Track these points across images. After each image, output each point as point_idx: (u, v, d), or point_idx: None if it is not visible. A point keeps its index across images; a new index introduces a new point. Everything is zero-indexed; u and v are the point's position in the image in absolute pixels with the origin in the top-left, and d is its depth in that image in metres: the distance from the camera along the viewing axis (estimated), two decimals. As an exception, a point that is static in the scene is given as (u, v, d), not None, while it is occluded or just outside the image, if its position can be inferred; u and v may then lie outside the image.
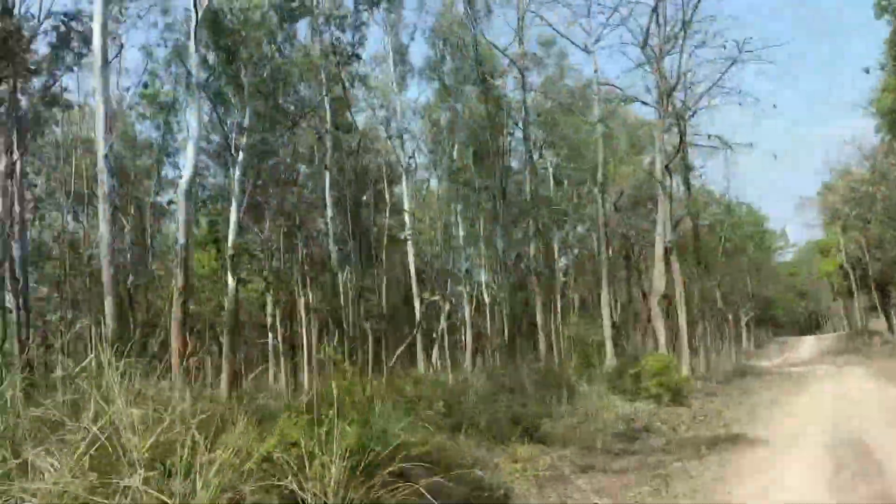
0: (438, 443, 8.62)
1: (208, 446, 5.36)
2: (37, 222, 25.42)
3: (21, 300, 19.56)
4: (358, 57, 19.82)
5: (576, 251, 43.54)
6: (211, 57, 18.51)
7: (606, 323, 25.23)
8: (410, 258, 30.32)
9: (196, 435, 5.18)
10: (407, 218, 31.44)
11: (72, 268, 24.24)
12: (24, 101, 21.25)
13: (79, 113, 26.00)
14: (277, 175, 25.29)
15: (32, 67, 19.96)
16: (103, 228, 13.31)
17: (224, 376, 19.12)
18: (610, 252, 31.70)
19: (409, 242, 30.49)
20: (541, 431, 10.68)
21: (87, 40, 19.63)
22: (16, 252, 19.81)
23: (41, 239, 26.14)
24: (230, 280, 19.61)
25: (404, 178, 31.96)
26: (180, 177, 18.94)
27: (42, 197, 25.57)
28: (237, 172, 19.94)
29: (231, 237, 19.80)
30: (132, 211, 25.93)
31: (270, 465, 5.32)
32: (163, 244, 31.46)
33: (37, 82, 20.97)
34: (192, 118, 15.47)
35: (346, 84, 24.25)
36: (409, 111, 32.80)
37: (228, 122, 19.91)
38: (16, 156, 20.58)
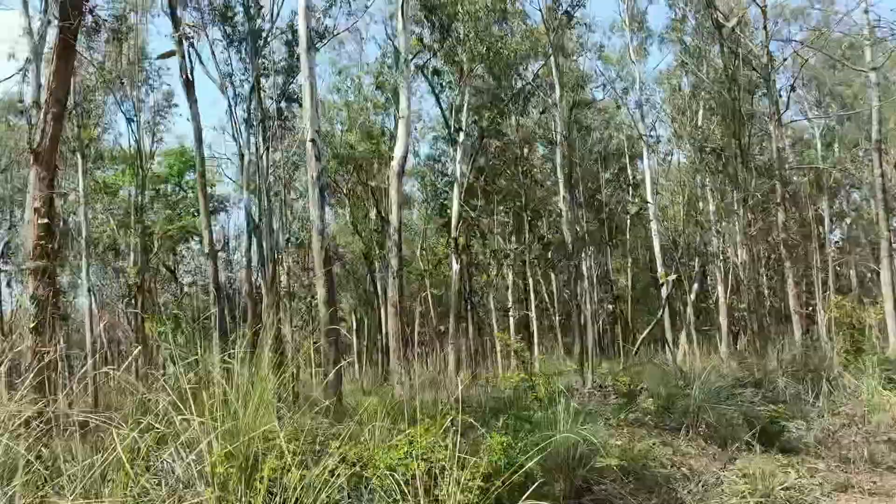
0: (644, 450, 7.16)
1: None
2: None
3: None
4: (570, 16, 18.28)
5: (847, 221, 38.18)
6: (426, 35, 18.09)
7: (889, 305, 21.34)
8: (654, 236, 28.21)
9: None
10: (649, 194, 29.29)
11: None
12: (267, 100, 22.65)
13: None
14: (507, 154, 24.58)
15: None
16: (314, 214, 13.33)
17: (452, 360, 18.80)
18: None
19: (653, 220, 28.38)
20: (786, 436, 8.69)
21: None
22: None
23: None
24: (454, 262, 19.24)
25: (645, 151, 29.83)
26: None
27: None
28: (458, 154, 19.49)
29: (454, 220, 19.41)
30: (368, 194, 26.61)
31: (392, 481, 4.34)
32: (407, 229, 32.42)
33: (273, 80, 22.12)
34: (402, 97, 15.06)
35: (575, 55, 22.92)
36: (649, 80, 30.75)
37: (447, 101, 19.43)
38: (262, 150, 21.99)
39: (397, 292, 14.62)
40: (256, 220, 22.10)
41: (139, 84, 25.18)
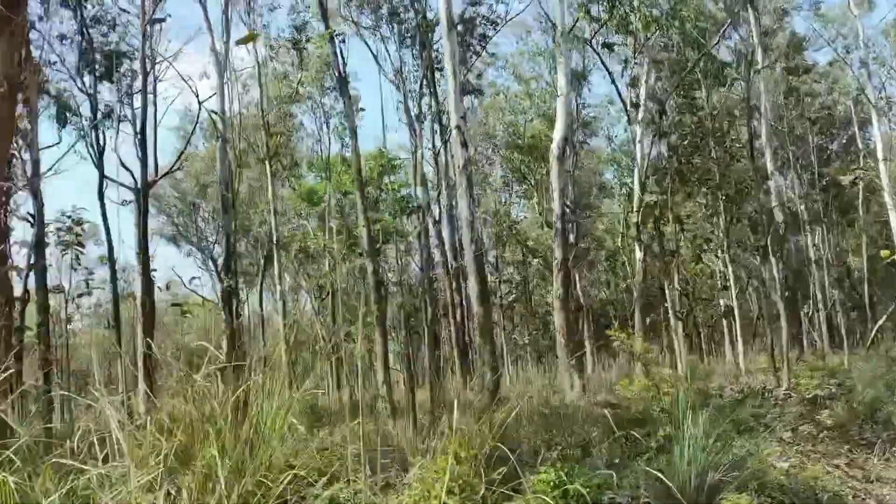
0: (811, 476, 5.58)
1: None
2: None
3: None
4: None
5: None
6: (593, 8, 16.72)
7: None
8: (890, 211, 24.46)
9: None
10: (881, 165, 25.48)
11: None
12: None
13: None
14: (702, 130, 22.34)
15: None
16: (462, 205, 12.59)
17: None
18: None
19: (886, 193, 24.61)
20: None
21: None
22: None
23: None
24: (637, 250, 17.66)
25: (874, 116, 25.99)
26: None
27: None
28: (637, 132, 17.88)
29: (635, 203, 17.83)
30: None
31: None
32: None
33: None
34: (560, 73, 13.89)
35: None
36: (876, 35, 26.80)
37: (623, 76, 17.90)
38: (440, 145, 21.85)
39: (561, 286, 13.49)
40: (436, 217, 21.93)
41: (328, 90, 26.08)
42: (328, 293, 23.55)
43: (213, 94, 18.77)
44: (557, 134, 13.78)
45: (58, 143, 17.19)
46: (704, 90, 20.22)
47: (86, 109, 18.22)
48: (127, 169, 22.23)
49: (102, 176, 17.03)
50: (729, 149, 22.65)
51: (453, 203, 23.24)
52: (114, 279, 17.94)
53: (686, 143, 22.68)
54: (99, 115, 16.91)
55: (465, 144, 12.36)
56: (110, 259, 18.20)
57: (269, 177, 21.19)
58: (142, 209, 17.27)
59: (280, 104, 23.51)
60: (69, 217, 18.97)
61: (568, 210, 25.24)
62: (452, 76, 12.38)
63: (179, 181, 31.56)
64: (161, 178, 26.08)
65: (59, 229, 19.61)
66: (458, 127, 12.43)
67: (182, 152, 21.39)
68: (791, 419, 7.75)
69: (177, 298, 25.65)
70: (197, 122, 22.12)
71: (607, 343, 19.39)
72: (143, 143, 17.01)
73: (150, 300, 16.36)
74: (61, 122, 16.53)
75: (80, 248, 19.25)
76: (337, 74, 14.36)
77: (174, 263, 49.75)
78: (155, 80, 26.03)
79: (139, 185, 20.20)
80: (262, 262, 26.68)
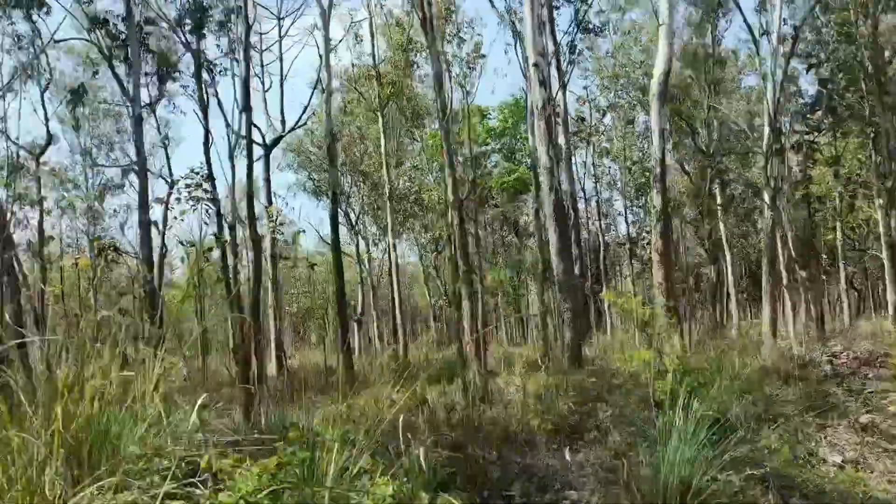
0: (854, 477, 4.42)
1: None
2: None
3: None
4: None
5: None
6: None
7: None
8: None
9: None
10: None
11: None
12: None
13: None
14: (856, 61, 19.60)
15: None
16: (540, 150, 11.59)
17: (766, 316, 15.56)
18: None
19: None
20: None
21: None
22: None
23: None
24: (765, 196, 15.77)
25: None
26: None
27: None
28: (768, 63, 15.82)
29: (764, 146, 15.90)
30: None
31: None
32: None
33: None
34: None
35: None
36: None
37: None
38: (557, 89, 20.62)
39: (661, 237, 12.19)
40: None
41: (448, 40, 25.25)
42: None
43: (333, 47, 18.71)
44: (658, 68, 12.31)
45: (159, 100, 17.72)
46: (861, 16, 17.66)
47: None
48: (255, 127, 22.84)
49: (207, 131, 17.43)
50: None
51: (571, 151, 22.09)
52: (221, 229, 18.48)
53: (841, 76, 20.07)
54: (204, 72, 17.25)
55: (543, 83, 11.32)
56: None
57: (380, 129, 20.92)
58: (248, 162, 17.51)
59: (395, 52, 23.02)
60: (197, 173, 19.79)
61: (703, 153, 23.28)
62: (530, 8, 11.33)
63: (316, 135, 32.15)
64: (289, 132, 26.68)
65: (187, 185, 20.51)
66: (535, 64, 11.40)
67: (306, 107, 21.60)
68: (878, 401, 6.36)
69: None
70: (319, 77, 22.22)
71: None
72: (245, 96, 17.21)
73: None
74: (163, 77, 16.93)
75: (209, 204, 20.08)
76: (420, 15, 13.53)
77: (322, 217, 51.52)
78: (280, 36, 26.51)
79: (264, 141, 20.70)
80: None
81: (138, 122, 14.80)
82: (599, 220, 33.76)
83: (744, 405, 5.51)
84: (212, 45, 46.49)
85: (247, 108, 17.70)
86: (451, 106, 25.84)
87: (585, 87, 55.33)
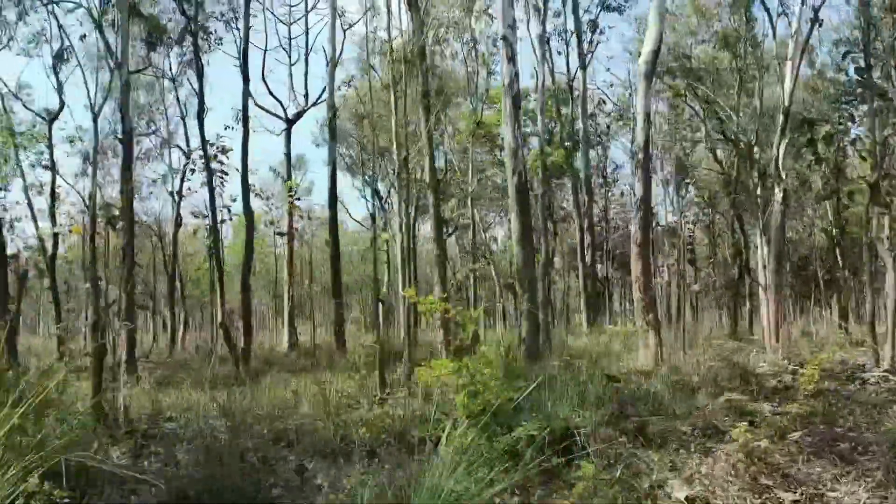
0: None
1: None
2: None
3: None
4: None
5: None
6: None
7: None
8: None
9: None
10: None
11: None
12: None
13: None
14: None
15: None
16: (505, 131, 10.90)
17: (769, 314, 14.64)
18: None
19: None
20: None
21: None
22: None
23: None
24: (776, 189, 14.73)
25: None
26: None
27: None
28: (790, 44, 14.71)
29: (777, 135, 14.81)
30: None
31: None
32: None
33: None
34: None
35: None
36: None
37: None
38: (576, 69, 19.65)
39: (639, 229, 11.40)
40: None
41: (476, 15, 24.49)
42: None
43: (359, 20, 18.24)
44: (646, 46, 11.48)
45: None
46: None
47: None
48: (278, 101, 22.52)
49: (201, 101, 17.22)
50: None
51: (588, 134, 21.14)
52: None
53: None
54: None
55: (511, 59, 10.60)
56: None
57: (392, 104, 20.33)
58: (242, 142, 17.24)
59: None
60: (213, 145, 19.64)
61: (731, 141, 22.00)
62: (501, -22, 10.61)
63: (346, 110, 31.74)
64: (311, 106, 26.32)
65: (202, 157, 20.38)
66: (504, 37, 10.70)
67: (329, 83, 21.22)
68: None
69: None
70: (341, 52, 21.86)
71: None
72: (244, 66, 16.94)
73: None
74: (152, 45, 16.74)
75: (223, 175, 19.94)
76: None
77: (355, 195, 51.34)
78: (307, 10, 26.13)
79: (286, 115, 20.34)
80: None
81: (126, 88, 14.63)
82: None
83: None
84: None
85: (245, 78, 17.45)
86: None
87: (608, 68, 53.55)
